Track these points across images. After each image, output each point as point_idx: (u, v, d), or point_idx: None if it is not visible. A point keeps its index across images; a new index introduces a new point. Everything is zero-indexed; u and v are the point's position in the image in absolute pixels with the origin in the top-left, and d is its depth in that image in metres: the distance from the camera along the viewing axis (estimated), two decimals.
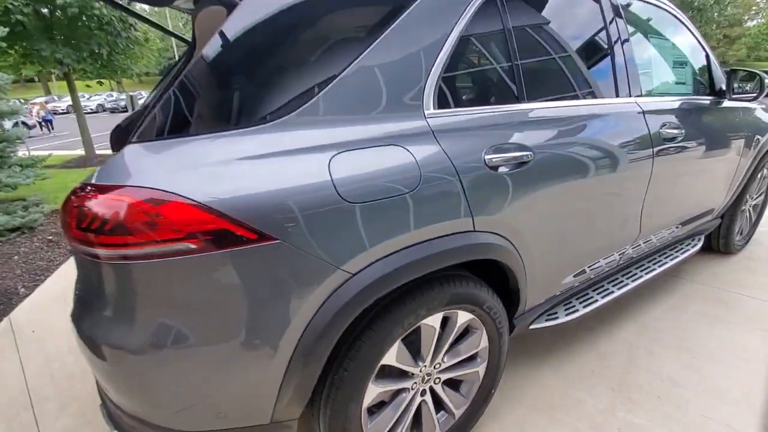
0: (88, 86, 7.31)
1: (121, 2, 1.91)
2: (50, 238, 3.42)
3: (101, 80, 6.95)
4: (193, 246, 0.82)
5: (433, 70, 1.14)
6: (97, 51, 6.08)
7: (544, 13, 1.51)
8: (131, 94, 10.65)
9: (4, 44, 3.95)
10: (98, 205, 0.83)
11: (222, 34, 0.96)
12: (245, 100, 0.96)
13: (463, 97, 1.29)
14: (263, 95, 0.97)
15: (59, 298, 2.56)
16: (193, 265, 0.84)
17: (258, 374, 0.96)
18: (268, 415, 1.01)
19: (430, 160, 1.09)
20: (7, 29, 3.96)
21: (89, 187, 0.87)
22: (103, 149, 8.60)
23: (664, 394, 1.67)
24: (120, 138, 2.02)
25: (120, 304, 0.89)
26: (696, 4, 34.36)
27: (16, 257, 3.08)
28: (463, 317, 1.28)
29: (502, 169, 1.21)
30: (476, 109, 1.26)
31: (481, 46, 1.31)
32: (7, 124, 3.81)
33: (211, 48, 0.95)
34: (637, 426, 1.53)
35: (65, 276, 2.86)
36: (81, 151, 8.31)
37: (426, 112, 1.14)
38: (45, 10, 5.90)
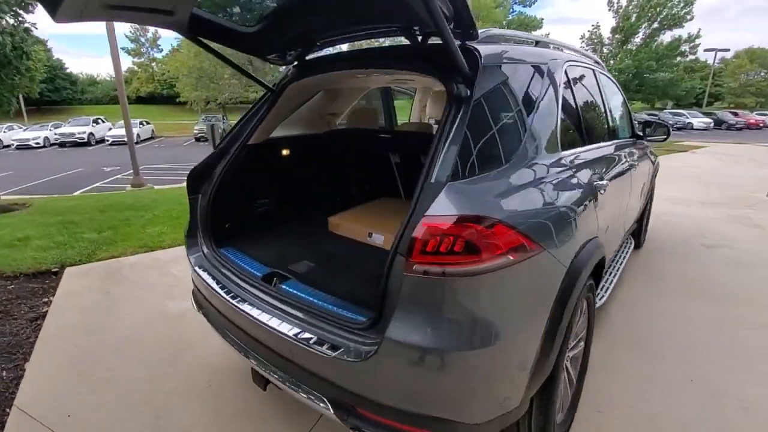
0: None
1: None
2: None
3: None
4: (511, 258, 1.08)
5: (557, 125, 1.61)
6: None
7: (588, 89, 2.19)
8: None
9: None
10: (450, 232, 1.04)
11: (475, 111, 1.27)
12: (494, 152, 1.27)
13: (568, 143, 1.77)
14: (502, 148, 1.30)
15: (69, 373, 2.14)
16: (506, 274, 1.09)
17: (529, 353, 1.22)
18: (521, 396, 1.25)
19: (581, 186, 1.54)
20: None
21: (434, 219, 1.06)
22: None
23: (652, 341, 2.37)
24: (197, 181, 1.97)
25: (459, 311, 1.08)
26: None
27: None
28: (585, 303, 1.71)
29: (599, 190, 1.73)
30: (575, 150, 1.76)
31: (565, 112, 1.85)
32: None
33: (476, 117, 1.27)
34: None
35: (55, 349, 2.37)
36: None
37: (561, 152, 1.59)
38: None
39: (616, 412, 1.88)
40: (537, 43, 1.91)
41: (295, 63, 2.03)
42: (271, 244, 2.14)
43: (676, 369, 2.18)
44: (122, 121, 8.55)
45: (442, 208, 1.08)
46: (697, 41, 33.29)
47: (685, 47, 33.20)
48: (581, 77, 2.16)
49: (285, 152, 2.51)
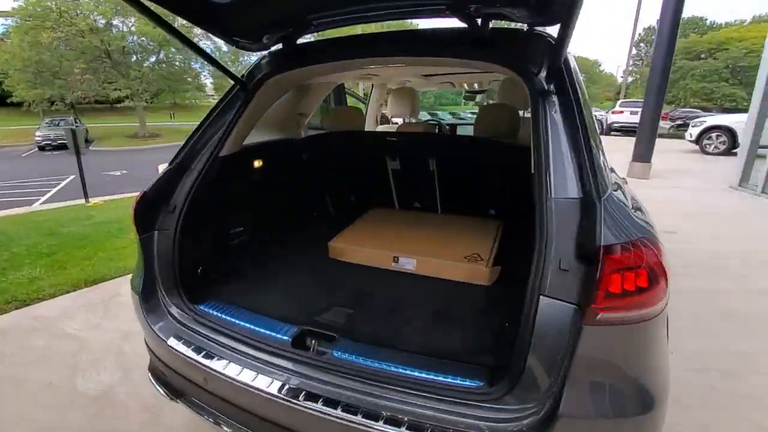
0: None
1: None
2: None
3: None
4: (665, 286, 0.93)
5: None
6: None
7: None
8: None
9: None
10: (636, 263, 0.86)
11: None
12: (601, 156, 1.12)
13: None
14: (602, 152, 1.16)
15: None
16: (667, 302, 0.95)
17: None
18: None
19: None
20: None
21: (616, 249, 0.85)
22: None
23: None
24: (149, 211, 1.43)
25: (646, 360, 0.91)
26: None
27: None
28: None
29: None
30: None
31: None
32: None
33: None
34: None
35: None
36: None
37: None
38: None
39: None
40: None
41: (279, 48, 1.59)
42: (269, 289, 1.67)
43: None
44: None
45: (615, 234, 0.87)
46: None
47: None
48: None
49: (259, 164, 2.00)
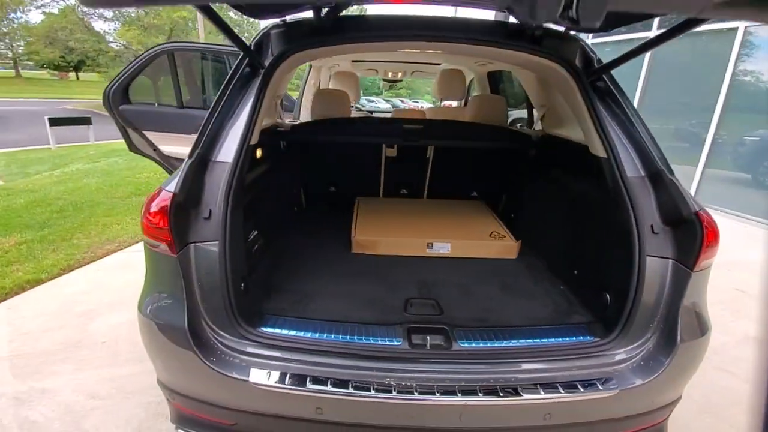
0: None
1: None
2: None
3: None
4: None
5: None
6: None
7: None
8: None
9: None
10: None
11: None
12: None
13: None
14: None
15: None
16: None
17: None
18: None
19: None
20: None
21: (704, 213, 1.14)
22: None
23: None
24: (184, 221, 1.18)
25: (705, 297, 1.24)
26: None
27: None
28: None
29: None
30: None
31: None
32: None
33: None
34: None
35: None
36: None
37: None
38: None
39: None
40: None
41: (304, 18, 1.42)
42: (323, 295, 1.53)
43: None
44: None
45: (696, 203, 1.14)
46: None
47: None
48: None
49: (260, 154, 1.81)
